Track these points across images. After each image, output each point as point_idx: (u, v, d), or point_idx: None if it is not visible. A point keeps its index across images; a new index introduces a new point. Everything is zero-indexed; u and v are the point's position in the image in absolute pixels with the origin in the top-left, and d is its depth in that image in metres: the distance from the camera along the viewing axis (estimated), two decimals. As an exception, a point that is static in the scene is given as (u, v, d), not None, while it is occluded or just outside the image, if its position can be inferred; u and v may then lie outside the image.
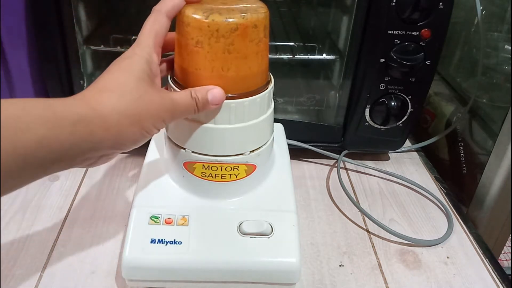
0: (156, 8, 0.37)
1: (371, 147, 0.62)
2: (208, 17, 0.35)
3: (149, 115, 0.33)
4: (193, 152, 0.41)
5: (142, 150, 0.44)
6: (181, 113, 0.37)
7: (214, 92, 0.37)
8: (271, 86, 0.42)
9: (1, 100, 0.27)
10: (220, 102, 0.38)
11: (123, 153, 0.53)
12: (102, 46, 0.58)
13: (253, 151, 0.42)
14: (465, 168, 0.67)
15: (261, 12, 0.37)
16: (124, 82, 0.33)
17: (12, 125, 0.27)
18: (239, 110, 0.39)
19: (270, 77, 0.43)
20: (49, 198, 0.53)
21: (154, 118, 0.34)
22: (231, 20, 0.35)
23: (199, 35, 0.36)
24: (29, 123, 0.27)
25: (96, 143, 0.31)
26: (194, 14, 0.36)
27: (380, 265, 0.47)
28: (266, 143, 0.43)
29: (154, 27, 0.37)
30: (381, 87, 0.55)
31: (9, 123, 0.27)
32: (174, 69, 0.41)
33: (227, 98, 0.38)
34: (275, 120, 0.47)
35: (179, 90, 0.39)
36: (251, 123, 0.40)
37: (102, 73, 0.34)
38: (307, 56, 0.60)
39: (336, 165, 0.61)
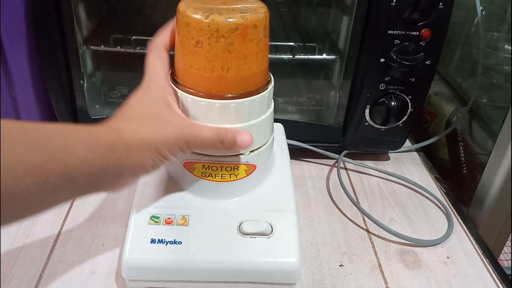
0: (153, 44, 0.39)
1: (371, 147, 0.62)
2: (208, 17, 0.35)
3: (166, 142, 0.35)
4: (193, 152, 0.41)
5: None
6: (202, 145, 0.38)
7: (243, 137, 0.38)
8: (271, 86, 0.41)
9: (47, 124, 0.30)
10: (247, 147, 0.39)
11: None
12: (102, 46, 0.58)
13: (253, 151, 0.42)
14: (465, 168, 0.67)
15: (261, 12, 0.37)
16: (143, 112, 0.36)
17: (59, 147, 0.29)
18: (239, 110, 0.39)
19: (270, 77, 0.42)
20: (49, 198, 0.53)
21: (170, 146, 0.35)
22: (231, 20, 0.35)
23: (199, 35, 0.36)
24: (72, 146, 0.30)
25: (121, 168, 0.33)
26: (194, 14, 0.36)
27: (380, 265, 0.47)
28: (266, 143, 0.43)
29: (158, 61, 0.39)
30: (381, 87, 0.55)
31: (57, 145, 0.29)
32: (174, 68, 0.41)
33: (227, 98, 0.38)
34: (275, 120, 0.47)
35: (178, 89, 0.39)
36: (251, 123, 0.40)
37: (121, 106, 0.37)
38: (307, 56, 0.60)
39: (336, 165, 0.61)
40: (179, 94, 0.39)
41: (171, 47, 0.40)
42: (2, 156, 0.26)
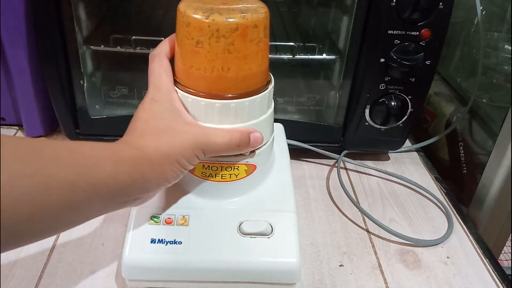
0: (155, 53, 0.40)
1: (371, 147, 0.62)
2: (208, 17, 0.35)
3: (184, 153, 0.35)
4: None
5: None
6: (217, 151, 0.38)
7: (256, 135, 0.39)
8: (271, 86, 0.41)
9: (72, 142, 0.32)
10: (259, 145, 0.40)
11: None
12: (102, 46, 0.58)
13: (253, 151, 0.42)
14: (465, 168, 0.67)
15: (261, 12, 0.37)
16: (156, 126, 0.36)
17: (90, 163, 0.30)
18: (239, 110, 0.39)
19: (270, 77, 0.42)
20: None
21: (188, 156, 0.36)
22: (231, 20, 0.35)
23: (199, 35, 0.36)
24: (99, 162, 0.31)
25: (146, 184, 0.34)
26: (195, 14, 0.36)
27: (380, 265, 0.47)
28: (266, 143, 0.43)
29: (161, 69, 0.39)
30: (381, 87, 0.55)
31: (88, 161, 0.30)
32: (174, 68, 0.41)
33: (227, 98, 0.38)
34: (275, 120, 0.47)
35: (178, 89, 0.39)
36: (251, 123, 0.40)
37: (132, 121, 0.37)
38: (307, 56, 0.60)
39: (336, 165, 0.61)
40: (179, 94, 0.39)
41: (173, 55, 0.40)
42: (33, 173, 0.26)
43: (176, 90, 0.39)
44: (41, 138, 0.30)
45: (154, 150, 0.34)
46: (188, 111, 0.39)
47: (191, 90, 0.38)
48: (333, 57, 0.60)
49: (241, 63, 0.37)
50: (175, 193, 0.44)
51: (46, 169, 0.27)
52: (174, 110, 0.37)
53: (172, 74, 0.39)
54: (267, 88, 0.41)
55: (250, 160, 0.42)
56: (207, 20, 0.35)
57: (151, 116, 0.37)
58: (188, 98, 0.39)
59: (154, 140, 0.35)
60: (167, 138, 0.35)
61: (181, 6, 0.37)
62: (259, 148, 0.42)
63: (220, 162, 0.41)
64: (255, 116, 0.40)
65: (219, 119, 0.39)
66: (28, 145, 0.28)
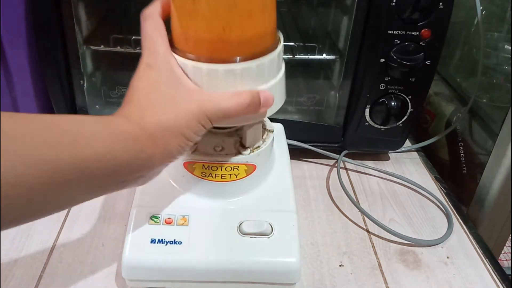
0: (147, 12, 0.36)
1: (371, 147, 0.62)
2: None
3: (189, 124, 0.33)
4: (193, 152, 0.41)
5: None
6: (224, 117, 0.35)
7: (266, 94, 0.36)
8: (280, 46, 0.37)
9: (61, 115, 0.30)
10: (270, 105, 0.37)
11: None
12: (102, 46, 0.58)
13: (253, 150, 0.42)
14: (465, 168, 0.67)
15: None
16: (156, 96, 0.33)
17: (72, 139, 0.28)
18: (246, 75, 0.35)
19: (279, 37, 0.38)
20: (49, 198, 0.53)
21: (193, 127, 0.34)
22: None
23: None
24: (88, 139, 0.29)
25: (147, 160, 0.32)
26: None
27: (380, 265, 0.47)
28: (265, 144, 0.42)
29: (155, 31, 0.35)
30: (381, 87, 0.55)
31: (70, 137, 0.28)
32: (170, 34, 0.37)
33: (232, 62, 0.34)
34: (275, 120, 0.47)
35: (177, 55, 0.35)
36: (261, 88, 0.37)
37: (128, 91, 0.34)
38: (307, 56, 0.60)
39: (336, 165, 0.61)
40: (177, 60, 0.35)
41: (167, 15, 0.36)
42: (10, 151, 0.25)
43: (173, 56, 0.35)
44: (24, 113, 0.29)
45: (155, 124, 0.32)
46: (190, 79, 0.35)
47: (191, 55, 0.35)
48: (333, 57, 0.60)
49: (245, 21, 0.33)
50: (175, 193, 0.44)
51: (20, 148, 0.25)
52: (173, 77, 0.34)
53: (167, 36, 0.36)
54: (276, 48, 0.37)
55: (250, 160, 0.42)
56: None
57: (148, 85, 0.34)
58: (188, 65, 0.35)
59: (154, 113, 0.32)
60: (168, 109, 0.33)
61: None
62: (259, 147, 0.42)
63: (220, 162, 0.41)
64: (264, 80, 0.37)
65: (224, 86, 0.35)
66: (8, 120, 0.26)
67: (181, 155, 0.35)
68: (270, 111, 0.39)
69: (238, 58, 0.34)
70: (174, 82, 0.34)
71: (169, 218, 0.41)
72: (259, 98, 0.36)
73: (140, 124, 0.32)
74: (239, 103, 0.34)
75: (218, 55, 0.34)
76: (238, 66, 0.34)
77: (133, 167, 0.31)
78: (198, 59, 0.34)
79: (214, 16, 0.33)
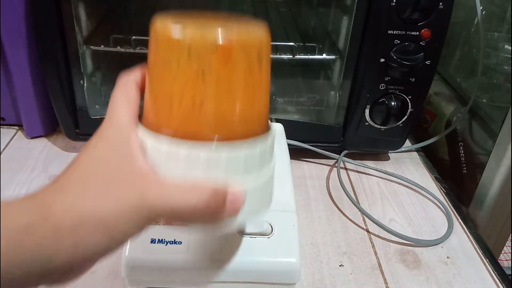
0: (122, 79, 0.30)
1: (371, 147, 0.62)
2: (180, 29, 0.27)
3: (120, 215, 0.25)
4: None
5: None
6: (176, 216, 0.27)
7: (236, 195, 0.27)
8: (268, 139, 0.30)
9: None
10: (238, 209, 0.28)
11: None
12: (102, 46, 0.58)
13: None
14: (465, 168, 0.67)
15: (257, 34, 0.28)
16: (88, 176, 0.26)
17: None
18: (213, 164, 0.27)
19: (270, 127, 0.31)
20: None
21: (127, 220, 0.25)
22: (209, 36, 0.26)
23: (168, 53, 0.27)
24: None
25: (47, 257, 0.24)
26: (163, 25, 0.27)
27: (380, 265, 0.47)
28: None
29: (123, 98, 0.29)
30: (381, 87, 0.55)
31: None
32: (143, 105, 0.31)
33: (199, 143, 0.27)
34: (276, 120, 0.46)
35: (141, 127, 0.28)
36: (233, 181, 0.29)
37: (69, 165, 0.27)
38: (307, 56, 0.60)
39: (336, 165, 0.61)
40: (140, 133, 0.28)
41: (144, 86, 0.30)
42: None
43: (137, 130, 0.28)
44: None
45: (65, 211, 0.24)
46: (147, 158, 0.28)
47: (153, 131, 0.28)
48: (333, 57, 0.60)
49: (220, 96, 0.27)
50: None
51: None
52: (124, 153, 0.27)
53: (137, 107, 0.29)
54: (261, 139, 0.29)
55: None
56: (178, 33, 0.27)
57: (88, 160, 0.27)
58: (148, 140, 0.28)
59: (73, 196, 0.25)
60: (97, 192, 0.25)
61: (158, 16, 0.28)
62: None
63: None
64: (239, 173, 0.28)
65: (185, 173, 0.27)
66: None
67: (104, 256, 0.26)
68: (242, 217, 0.29)
69: (207, 139, 0.27)
70: (122, 160, 0.26)
71: (169, 218, 0.41)
72: (224, 197, 0.27)
73: (44, 209, 0.24)
74: (196, 205, 0.26)
75: (183, 131, 0.28)
76: (203, 152, 0.27)
77: (29, 266, 0.23)
78: (160, 134, 0.28)
79: (184, 84, 0.27)
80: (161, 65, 0.28)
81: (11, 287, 0.24)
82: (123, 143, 0.27)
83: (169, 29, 0.27)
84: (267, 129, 0.31)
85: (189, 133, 0.27)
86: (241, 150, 0.28)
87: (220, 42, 0.26)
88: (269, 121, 0.32)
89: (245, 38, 0.27)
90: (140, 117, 0.30)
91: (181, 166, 0.27)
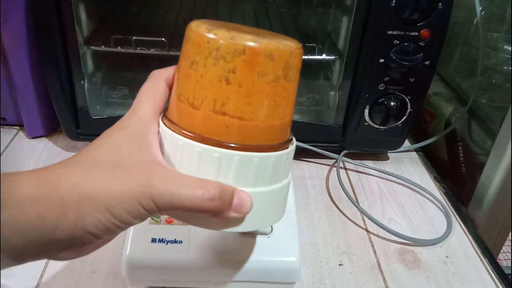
0: (153, 73, 0.32)
1: (371, 147, 0.62)
2: (211, 31, 0.27)
3: (122, 199, 0.25)
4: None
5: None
6: (178, 205, 0.26)
7: (243, 198, 0.28)
8: (289, 149, 0.31)
9: None
10: (244, 212, 0.28)
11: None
12: (103, 46, 0.58)
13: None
14: (464, 168, 0.67)
15: (288, 46, 0.29)
16: (100, 157, 0.26)
17: None
18: (225, 165, 0.28)
19: (291, 138, 0.32)
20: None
21: (128, 204, 0.25)
22: (238, 40, 0.27)
23: (196, 53, 0.28)
24: None
25: (49, 228, 0.24)
26: (197, 28, 0.28)
27: (379, 265, 0.47)
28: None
29: (149, 92, 0.30)
30: (381, 87, 0.55)
31: None
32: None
33: (213, 144, 0.28)
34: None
35: (162, 123, 0.30)
36: (243, 190, 0.29)
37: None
38: (307, 56, 0.60)
39: (336, 165, 0.62)
40: (160, 128, 0.30)
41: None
42: None
43: (157, 124, 0.30)
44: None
45: (71, 186, 0.25)
46: (163, 152, 0.29)
47: (173, 125, 0.29)
48: (332, 57, 0.60)
49: (241, 101, 0.28)
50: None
51: None
52: (139, 143, 0.28)
53: (162, 101, 0.31)
54: (279, 149, 0.30)
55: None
56: (208, 35, 0.27)
57: (104, 143, 0.28)
58: (167, 134, 0.29)
59: (78, 175, 0.25)
60: (105, 174, 0.26)
61: (193, 22, 0.30)
62: None
63: None
64: (248, 182, 0.29)
65: (196, 170, 0.28)
66: None
67: (106, 237, 0.26)
68: (253, 225, 0.30)
69: (222, 142, 0.28)
70: (136, 147, 0.28)
71: (169, 218, 0.41)
72: (231, 198, 0.28)
73: (47, 183, 0.25)
74: (202, 197, 0.26)
75: (201, 132, 0.28)
76: (218, 152, 0.28)
77: (29, 238, 0.24)
78: (178, 131, 0.29)
79: (207, 85, 0.28)
80: (189, 63, 0.28)
81: (11, 257, 0.24)
82: (141, 133, 0.28)
83: (201, 29, 0.28)
84: (287, 142, 0.31)
85: (207, 132, 0.28)
86: (254, 157, 0.28)
87: (248, 46, 0.27)
88: (292, 136, 0.33)
89: (273, 47, 0.28)
90: (165, 112, 0.31)
91: (194, 163, 0.28)
